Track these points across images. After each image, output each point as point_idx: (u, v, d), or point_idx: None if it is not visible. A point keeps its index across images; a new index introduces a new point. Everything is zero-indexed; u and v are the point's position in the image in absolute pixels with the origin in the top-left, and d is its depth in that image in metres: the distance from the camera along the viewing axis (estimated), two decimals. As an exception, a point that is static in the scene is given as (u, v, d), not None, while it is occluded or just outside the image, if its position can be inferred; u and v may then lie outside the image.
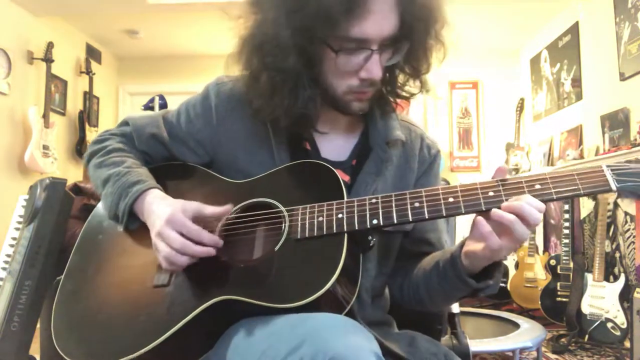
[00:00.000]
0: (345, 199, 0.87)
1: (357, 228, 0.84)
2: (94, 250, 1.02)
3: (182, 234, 0.86)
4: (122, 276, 0.95)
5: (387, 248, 1.01)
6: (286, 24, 0.87)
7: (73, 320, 0.93)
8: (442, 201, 0.83)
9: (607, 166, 0.79)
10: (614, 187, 0.78)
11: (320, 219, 0.85)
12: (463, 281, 0.89)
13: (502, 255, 0.83)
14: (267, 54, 0.90)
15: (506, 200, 0.80)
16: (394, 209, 0.84)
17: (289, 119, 0.94)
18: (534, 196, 0.79)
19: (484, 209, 0.81)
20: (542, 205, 0.79)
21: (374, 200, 0.85)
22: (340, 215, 0.85)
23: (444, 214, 0.83)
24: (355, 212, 0.85)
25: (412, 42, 0.92)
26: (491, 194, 0.81)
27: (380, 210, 0.84)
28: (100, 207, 1.03)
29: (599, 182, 0.79)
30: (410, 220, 0.83)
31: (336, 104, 0.95)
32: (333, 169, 0.92)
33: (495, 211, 0.80)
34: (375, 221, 0.84)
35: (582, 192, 0.79)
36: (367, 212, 0.84)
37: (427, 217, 0.83)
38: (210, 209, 0.89)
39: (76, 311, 0.94)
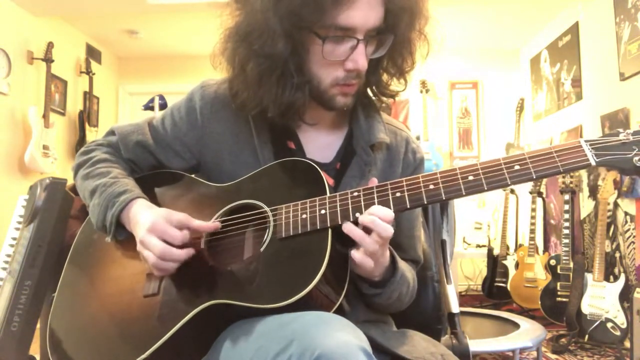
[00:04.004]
0: (328, 194, 0.87)
1: (340, 223, 0.84)
2: (85, 262, 1.02)
3: (164, 241, 0.86)
4: (113, 288, 0.95)
5: None
6: (274, 10, 0.87)
7: (68, 334, 0.93)
8: (422, 189, 0.83)
9: (586, 141, 0.80)
10: (593, 162, 0.78)
11: (304, 216, 0.86)
12: (360, 288, 0.93)
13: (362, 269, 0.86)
14: (254, 41, 0.90)
15: (486, 184, 0.81)
16: (376, 200, 0.84)
17: (277, 108, 0.94)
18: (512, 177, 0.80)
19: (464, 194, 0.82)
20: (391, 215, 0.82)
21: (355, 194, 0.86)
22: (323, 211, 0.85)
23: (425, 202, 0.83)
24: (338, 206, 0.85)
25: (396, 34, 0.93)
26: (471, 178, 0.82)
27: (363, 203, 0.85)
28: (90, 220, 1.03)
29: (578, 158, 0.79)
30: (392, 210, 0.84)
31: (321, 97, 0.95)
32: (314, 164, 0.92)
33: (345, 225, 0.83)
34: (358, 214, 0.84)
35: (561, 169, 0.79)
36: (350, 206, 0.85)
37: (408, 207, 0.84)
38: (196, 223, 0.90)
39: (70, 325, 0.94)
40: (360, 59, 0.90)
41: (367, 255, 0.84)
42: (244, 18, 0.93)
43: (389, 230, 0.82)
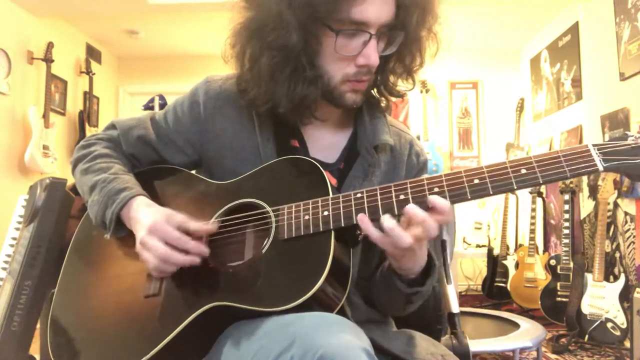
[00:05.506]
0: (331, 195, 0.86)
1: (343, 224, 0.83)
2: (85, 260, 1.02)
3: (166, 243, 0.86)
4: (113, 287, 0.95)
5: (369, 253, 1.00)
6: (289, 3, 0.87)
7: (68, 334, 0.93)
8: (427, 192, 0.82)
9: (593, 145, 0.77)
10: (600, 167, 0.76)
11: (306, 217, 0.85)
12: (396, 285, 0.90)
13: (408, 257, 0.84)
14: (268, 34, 0.90)
15: (492, 188, 0.79)
16: (379, 202, 0.83)
17: (289, 103, 0.93)
18: (518, 182, 0.78)
19: (469, 198, 0.80)
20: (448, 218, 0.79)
21: (359, 195, 0.85)
22: (325, 213, 0.84)
23: (429, 206, 0.81)
24: (341, 208, 0.84)
25: (407, 31, 0.92)
26: (476, 181, 0.80)
27: (366, 205, 0.83)
28: (89, 215, 1.02)
29: (585, 163, 0.77)
30: (396, 213, 0.82)
31: (331, 94, 0.95)
32: (317, 163, 0.91)
33: (384, 218, 0.80)
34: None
35: (568, 174, 0.77)
36: (353, 208, 0.84)
37: None
38: (194, 225, 0.89)
39: (71, 324, 0.94)
40: (372, 54, 0.89)
41: (404, 249, 0.81)
42: (255, 13, 0.93)
43: (435, 230, 0.79)
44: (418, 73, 1.01)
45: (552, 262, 3.39)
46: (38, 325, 1.24)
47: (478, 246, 4.42)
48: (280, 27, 0.88)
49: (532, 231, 3.83)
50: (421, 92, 4.65)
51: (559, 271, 3.34)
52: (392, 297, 0.95)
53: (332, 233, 0.83)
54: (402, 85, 1.03)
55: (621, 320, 2.77)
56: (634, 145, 0.76)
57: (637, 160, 0.76)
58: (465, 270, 4.70)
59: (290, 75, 0.91)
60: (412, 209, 0.79)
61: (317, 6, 0.86)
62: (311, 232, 0.84)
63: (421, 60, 0.99)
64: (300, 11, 0.87)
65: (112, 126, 1.09)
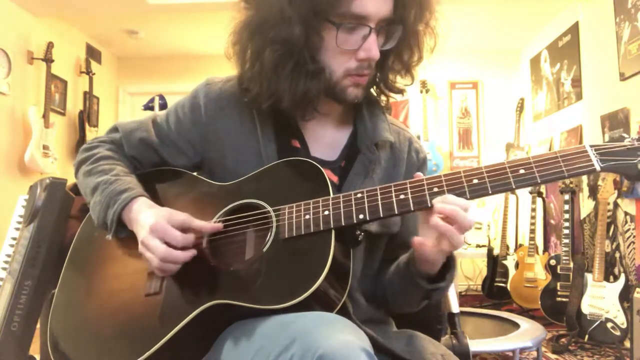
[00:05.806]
0: (332, 195, 0.87)
1: (343, 224, 0.83)
2: (86, 260, 1.02)
3: (166, 242, 0.86)
4: (114, 286, 0.95)
5: (372, 251, 1.01)
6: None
7: (69, 333, 0.93)
8: (427, 192, 0.83)
9: (591, 146, 0.80)
10: (598, 168, 0.78)
11: (307, 216, 0.85)
12: (416, 282, 0.91)
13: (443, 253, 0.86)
14: (269, 29, 0.91)
15: (491, 188, 0.81)
16: (379, 202, 0.84)
17: (292, 98, 0.93)
18: (517, 182, 0.80)
19: (468, 197, 0.82)
20: (469, 205, 0.81)
21: (359, 195, 0.85)
22: (326, 212, 0.85)
23: (429, 205, 0.82)
24: (342, 208, 0.85)
25: (405, 26, 0.94)
26: (475, 181, 0.82)
27: (366, 205, 0.84)
28: (91, 216, 1.02)
29: (583, 164, 0.79)
30: (396, 212, 0.83)
31: (332, 90, 0.95)
32: (317, 164, 0.92)
33: (432, 220, 0.81)
34: (361, 216, 0.84)
35: (566, 174, 0.79)
36: (353, 207, 0.84)
37: (412, 209, 0.83)
38: (198, 223, 0.90)
39: (71, 324, 0.94)
40: (373, 48, 0.91)
41: (444, 249, 0.83)
42: (255, 11, 0.94)
43: (471, 221, 0.81)
44: (416, 69, 1.02)
45: (552, 262, 3.40)
46: (38, 325, 1.24)
47: (478, 246, 4.42)
48: (281, 23, 0.89)
49: (532, 231, 3.83)
50: (421, 92, 4.65)
51: (559, 271, 3.34)
52: (409, 294, 0.96)
53: (333, 232, 0.83)
54: (400, 82, 1.03)
55: (621, 320, 2.77)
56: (629, 147, 0.79)
57: (633, 161, 0.79)
58: (465, 270, 4.70)
59: (292, 70, 0.92)
60: (447, 205, 0.80)
61: (317, 1, 0.87)
62: (312, 231, 0.84)
63: (419, 56, 1.00)
64: (301, 6, 0.88)
65: (114, 129, 1.10)
